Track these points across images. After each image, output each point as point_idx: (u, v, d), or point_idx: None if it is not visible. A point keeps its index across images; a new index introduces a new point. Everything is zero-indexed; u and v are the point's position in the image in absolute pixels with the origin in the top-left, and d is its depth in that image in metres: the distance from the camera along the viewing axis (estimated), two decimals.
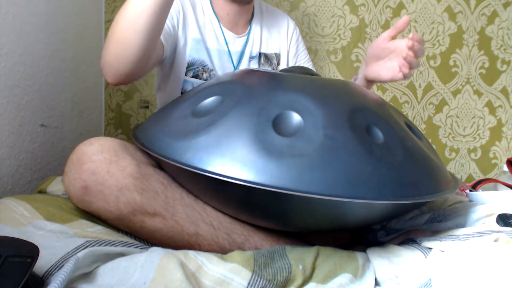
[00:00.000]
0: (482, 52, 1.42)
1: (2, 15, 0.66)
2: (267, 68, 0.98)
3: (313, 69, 1.04)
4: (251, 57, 0.96)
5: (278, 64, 1.00)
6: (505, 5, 1.41)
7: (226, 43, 0.93)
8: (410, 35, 0.74)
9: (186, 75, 0.89)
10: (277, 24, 1.02)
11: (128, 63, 0.66)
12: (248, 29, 0.96)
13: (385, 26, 1.36)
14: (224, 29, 0.93)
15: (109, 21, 1.20)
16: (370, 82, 0.87)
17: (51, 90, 0.84)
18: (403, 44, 0.77)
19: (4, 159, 0.68)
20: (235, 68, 0.94)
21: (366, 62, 0.86)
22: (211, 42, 0.91)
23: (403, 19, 0.76)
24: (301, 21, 1.32)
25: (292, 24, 1.04)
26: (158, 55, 0.79)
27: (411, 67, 0.75)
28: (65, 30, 0.91)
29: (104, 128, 1.24)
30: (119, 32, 0.65)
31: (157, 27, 0.66)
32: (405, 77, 0.77)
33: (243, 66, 0.95)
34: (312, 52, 1.34)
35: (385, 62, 0.80)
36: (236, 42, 0.94)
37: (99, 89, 1.18)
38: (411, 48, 0.74)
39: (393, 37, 0.80)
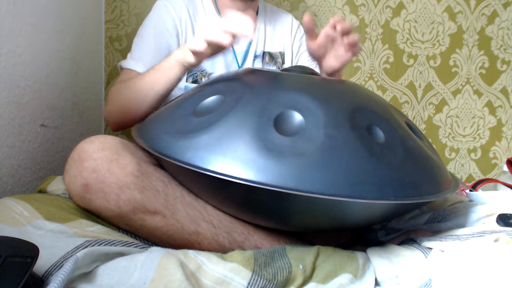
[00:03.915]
0: (482, 52, 1.42)
1: (2, 15, 0.66)
2: (271, 67, 0.98)
3: (318, 68, 1.04)
4: (255, 56, 0.96)
5: (283, 62, 1.00)
6: (505, 5, 1.41)
7: None
8: (331, 21, 0.73)
9: (186, 81, 0.90)
10: (281, 21, 1.01)
11: (134, 122, 0.75)
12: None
13: (385, 26, 1.36)
14: None
15: (109, 21, 1.20)
16: (332, 75, 0.85)
17: (51, 90, 0.84)
18: (329, 31, 0.75)
19: (4, 159, 0.68)
20: (239, 67, 0.94)
21: (318, 64, 0.86)
22: None
23: (304, 19, 0.76)
24: (301, 21, 1.31)
25: (296, 22, 1.04)
26: None
27: (352, 45, 0.75)
28: (65, 30, 0.91)
29: (104, 128, 1.23)
30: (127, 105, 0.75)
31: (161, 101, 0.75)
32: (355, 54, 0.77)
33: (248, 65, 0.95)
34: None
35: (329, 53, 0.79)
36: (240, 41, 0.94)
37: (99, 89, 1.18)
38: (343, 31, 0.73)
39: (314, 37, 0.79)
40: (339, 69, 0.82)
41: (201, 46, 0.62)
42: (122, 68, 0.85)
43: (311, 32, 0.78)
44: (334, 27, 0.73)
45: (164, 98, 0.75)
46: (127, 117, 0.76)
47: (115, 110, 0.78)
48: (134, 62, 0.83)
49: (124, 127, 0.80)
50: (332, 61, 0.80)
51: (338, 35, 0.74)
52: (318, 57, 0.83)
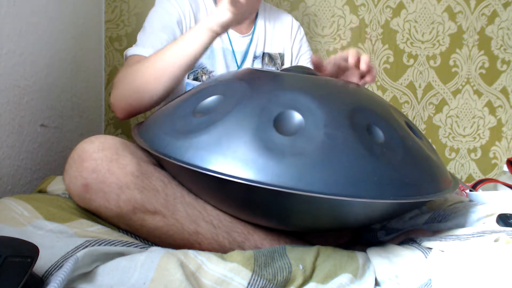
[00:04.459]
0: (482, 52, 1.42)
1: (2, 15, 0.66)
2: (270, 68, 0.98)
3: None
4: (255, 57, 0.96)
5: (282, 64, 1.00)
6: (505, 5, 1.41)
7: (230, 42, 0.93)
8: (350, 59, 0.72)
9: (188, 78, 0.90)
10: (281, 22, 1.02)
11: (147, 108, 0.73)
12: (253, 28, 0.96)
13: (385, 26, 1.36)
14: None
15: (109, 21, 1.20)
16: None
17: (51, 90, 0.84)
18: (342, 63, 0.75)
19: (4, 159, 0.68)
20: (238, 68, 0.94)
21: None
22: (216, 41, 0.91)
23: (313, 59, 0.75)
24: (301, 21, 1.32)
25: (296, 23, 1.04)
26: None
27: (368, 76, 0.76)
28: (65, 30, 0.91)
29: (104, 128, 1.23)
30: (141, 83, 0.70)
31: (181, 80, 0.72)
32: (369, 82, 0.77)
33: (247, 65, 0.95)
34: (312, 52, 1.34)
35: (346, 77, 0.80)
36: (240, 42, 0.94)
37: (99, 89, 1.18)
38: (353, 64, 0.73)
39: (323, 70, 0.77)
40: None
41: None
42: (127, 57, 0.81)
43: (319, 67, 0.77)
44: (346, 59, 0.73)
45: (184, 75, 0.71)
46: (142, 100, 0.71)
47: (126, 93, 0.72)
48: (142, 48, 0.80)
49: (134, 113, 0.75)
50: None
51: (351, 66, 0.74)
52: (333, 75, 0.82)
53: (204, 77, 0.91)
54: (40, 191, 0.63)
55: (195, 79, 0.90)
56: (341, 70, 0.77)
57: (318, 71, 0.77)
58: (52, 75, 0.85)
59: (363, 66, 0.73)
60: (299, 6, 1.31)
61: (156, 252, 0.47)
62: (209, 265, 0.48)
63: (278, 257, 0.51)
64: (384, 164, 0.50)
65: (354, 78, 0.77)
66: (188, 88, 0.90)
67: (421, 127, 1.44)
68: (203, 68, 0.91)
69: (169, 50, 0.70)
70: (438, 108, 1.44)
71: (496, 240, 0.51)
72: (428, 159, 0.57)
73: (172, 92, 0.73)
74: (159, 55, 0.70)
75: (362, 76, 0.76)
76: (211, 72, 0.91)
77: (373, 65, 0.76)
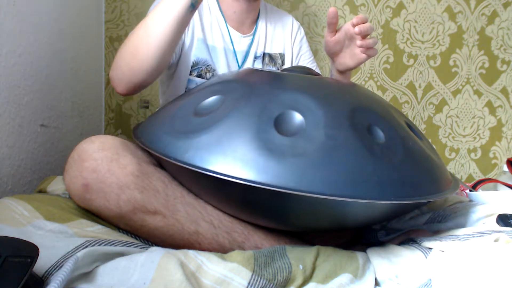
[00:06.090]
0: (482, 52, 1.42)
1: (2, 15, 0.66)
2: (271, 68, 0.98)
3: (317, 70, 1.05)
4: (256, 57, 0.96)
5: (283, 64, 1.01)
6: (505, 5, 1.41)
7: (232, 42, 0.93)
8: (354, 20, 0.74)
9: (190, 74, 0.90)
10: (282, 23, 1.02)
11: (142, 73, 0.70)
12: (254, 28, 0.96)
13: (385, 26, 1.36)
14: (230, 28, 0.93)
15: (109, 21, 1.20)
16: (343, 72, 0.87)
17: (51, 90, 0.84)
18: (350, 28, 0.76)
19: (4, 159, 0.68)
20: (239, 68, 0.94)
21: (330, 60, 0.88)
22: (217, 41, 0.92)
23: (330, 12, 0.76)
24: (301, 21, 1.32)
25: (296, 24, 1.05)
26: (169, 61, 0.79)
27: (368, 48, 0.76)
28: (65, 30, 0.91)
29: (104, 128, 1.23)
30: (136, 45, 0.68)
31: (176, 41, 0.69)
32: (370, 56, 0.78)
33: (248, 65, 0.96)
34: (312, 52, 1.34)
35: (345, 51, 0.81)
36: (241, 42, 0.94)
37: (99, 89, 1.18)
38: (360, 33, 0.74)
39: (334, 31, 0.79)
40: (352, 68, 0.83)
41: None
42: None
43: (332, 26, 0.78)
44: (355, 26, 0.74)
45: (173, 41, 0.68)
46: (133, 65, 0.68)
47: (120, 60, 0.70)
48: None
49: (130, 85, 0.71)
50: (347, 59, 0.81)
51: (357, 34, 0.75)
52: (332, 53, 0.84)
53: (208, 74, 0.91)
54: (40, 191, 0.63)
55: (199, 75, 0.90)
56: (347, 37, 0.78)
57: (330, 29, 0.78)
58: (52, 75, 0.85)
59: (356, 29, 0.74)
60: (299, 6, 1.31)
61: (156, 252, 0.48)
62: (209, 265, 0.48)
63: (278, 257, 0.51)
64: (384, 165, 0.50)
65: (356, 49, 0.78)
66: (190, 84, 0.90)
67: (421, 127, 1.44)
68: (207, 66, 0.90)
69: (156, 9, 0.68)
70: (438, 108, 1.44)
71: (496, 240, 0.51)
72: (428, 160, 0.57)
73: (164, 65, 0.71)
74: (149, 14, 0.69)
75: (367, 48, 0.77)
76: (214, 70, 0.91)
77: (375, 40, 0.77)
